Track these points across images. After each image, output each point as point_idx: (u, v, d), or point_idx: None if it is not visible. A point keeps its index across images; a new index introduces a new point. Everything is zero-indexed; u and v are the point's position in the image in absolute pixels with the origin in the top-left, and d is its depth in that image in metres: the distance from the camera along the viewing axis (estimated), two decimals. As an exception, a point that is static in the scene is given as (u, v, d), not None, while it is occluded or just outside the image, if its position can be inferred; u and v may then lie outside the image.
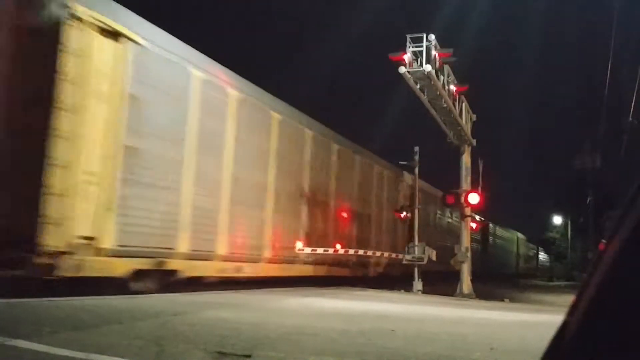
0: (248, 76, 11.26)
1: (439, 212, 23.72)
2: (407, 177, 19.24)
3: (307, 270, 12.89)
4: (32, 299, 5.89)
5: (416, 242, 15.04)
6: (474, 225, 18.19)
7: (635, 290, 0.88)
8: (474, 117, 16.27)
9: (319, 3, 76.97)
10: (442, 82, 13.15)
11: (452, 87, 14.06)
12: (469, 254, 15.19)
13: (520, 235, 49.06)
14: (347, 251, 14.16)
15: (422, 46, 11.96)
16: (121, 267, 7.65)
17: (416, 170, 16.09)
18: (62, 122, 6.85)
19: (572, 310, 0.93)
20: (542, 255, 62.93)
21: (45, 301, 5.93)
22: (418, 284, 14.49)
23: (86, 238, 7.08)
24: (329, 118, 16.85)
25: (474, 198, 14.88)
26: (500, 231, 39.91)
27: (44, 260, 6.53)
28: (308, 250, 12.63)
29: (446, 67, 13.44)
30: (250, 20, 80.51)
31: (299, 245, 12.53)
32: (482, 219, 22.46)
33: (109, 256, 7.43)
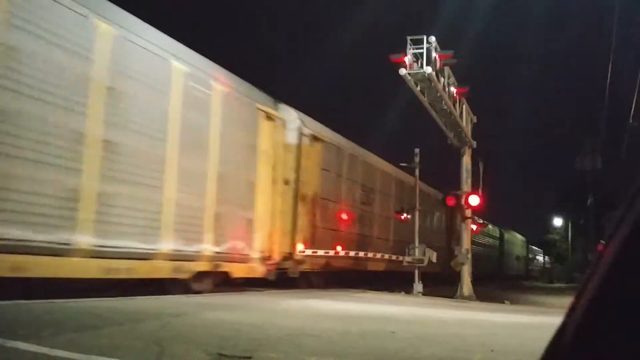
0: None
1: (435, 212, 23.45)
2: (315, 126, 13.28)
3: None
4: (32, 300, 5.89)
5: (416, 244, 15.01)
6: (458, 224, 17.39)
7: (634, 291, 0.88)
8: (475, 118, 16.25)
9: (320, 3, 77.02)
10: (442, 83, 13.14)
11: (453, 89, 14.04)
12: (469, 256, 15.17)
13: (514, 233, 47.57)
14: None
15: (422, 48, 11.96)
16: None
17: (417, 171, 16.04)
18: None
19: (571, 311, 0.93)
20: (541, 256, 62.45)
21: (45, 303, 5.93)
22: (418, 286, 14.47)
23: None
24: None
25: (474, 200, 14.84)
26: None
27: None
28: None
29: (447, 69, 13.42)
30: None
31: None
32: (482, 220, 22.34)
33: None
